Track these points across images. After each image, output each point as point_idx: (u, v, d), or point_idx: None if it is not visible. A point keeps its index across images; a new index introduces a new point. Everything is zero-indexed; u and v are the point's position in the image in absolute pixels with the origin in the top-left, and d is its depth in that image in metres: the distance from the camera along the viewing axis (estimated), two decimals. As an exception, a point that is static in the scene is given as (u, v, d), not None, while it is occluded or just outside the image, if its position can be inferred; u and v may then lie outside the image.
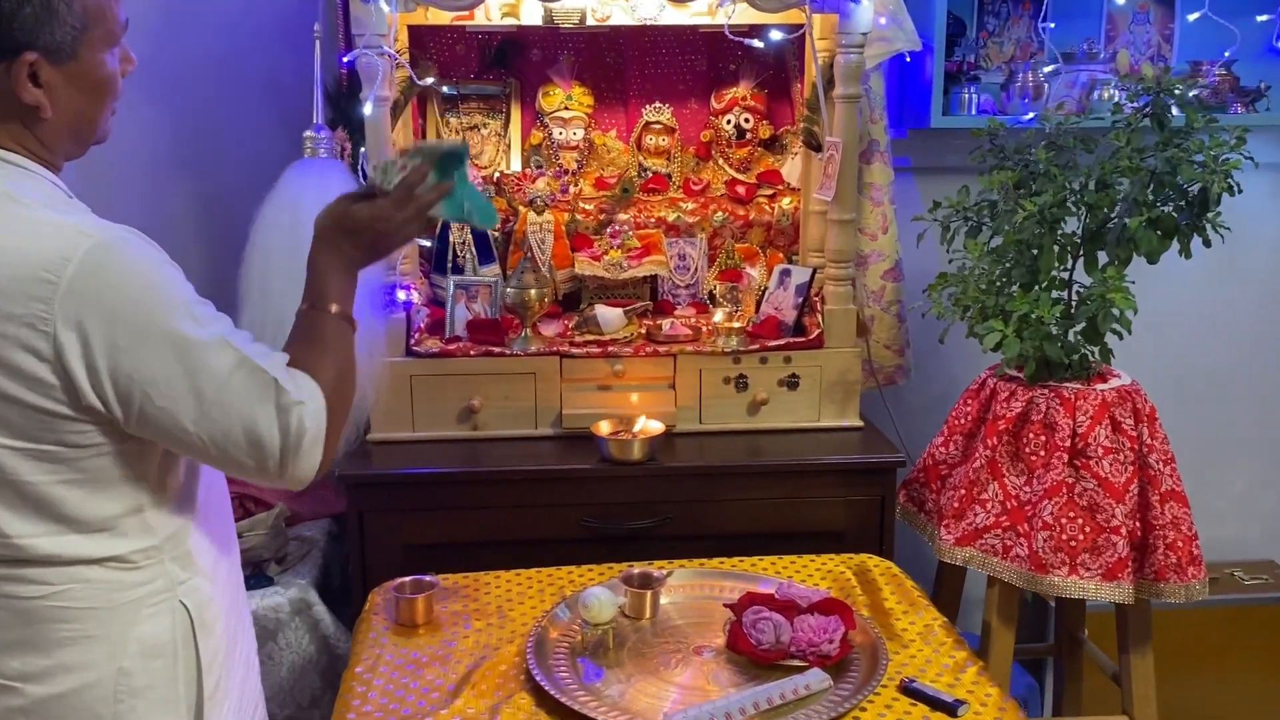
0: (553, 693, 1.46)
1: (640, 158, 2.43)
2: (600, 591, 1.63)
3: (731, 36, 2.03)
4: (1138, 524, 1.87)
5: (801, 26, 2.09)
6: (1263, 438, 2.88)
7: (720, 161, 2.45)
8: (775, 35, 2.08)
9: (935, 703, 1.47)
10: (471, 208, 1.37)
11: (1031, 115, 2.34)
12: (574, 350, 2.13)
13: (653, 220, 2.38)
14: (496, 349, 2.11)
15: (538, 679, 1.49)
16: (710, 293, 2.37)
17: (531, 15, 2.18)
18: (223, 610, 1.26)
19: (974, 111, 2.45)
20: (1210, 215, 1.84)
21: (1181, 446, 2.68)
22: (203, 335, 1.10)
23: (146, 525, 1.16)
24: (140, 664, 1.16)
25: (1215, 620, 2.66)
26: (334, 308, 1.25)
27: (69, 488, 1.10)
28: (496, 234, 2.33)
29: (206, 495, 1.26)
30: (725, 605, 1.65)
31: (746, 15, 2.06)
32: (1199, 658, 2.65)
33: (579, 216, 2.36)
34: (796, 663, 1.53)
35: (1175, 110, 1.86)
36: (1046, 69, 2.46)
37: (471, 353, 2.11)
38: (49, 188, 1.14)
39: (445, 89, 2.36)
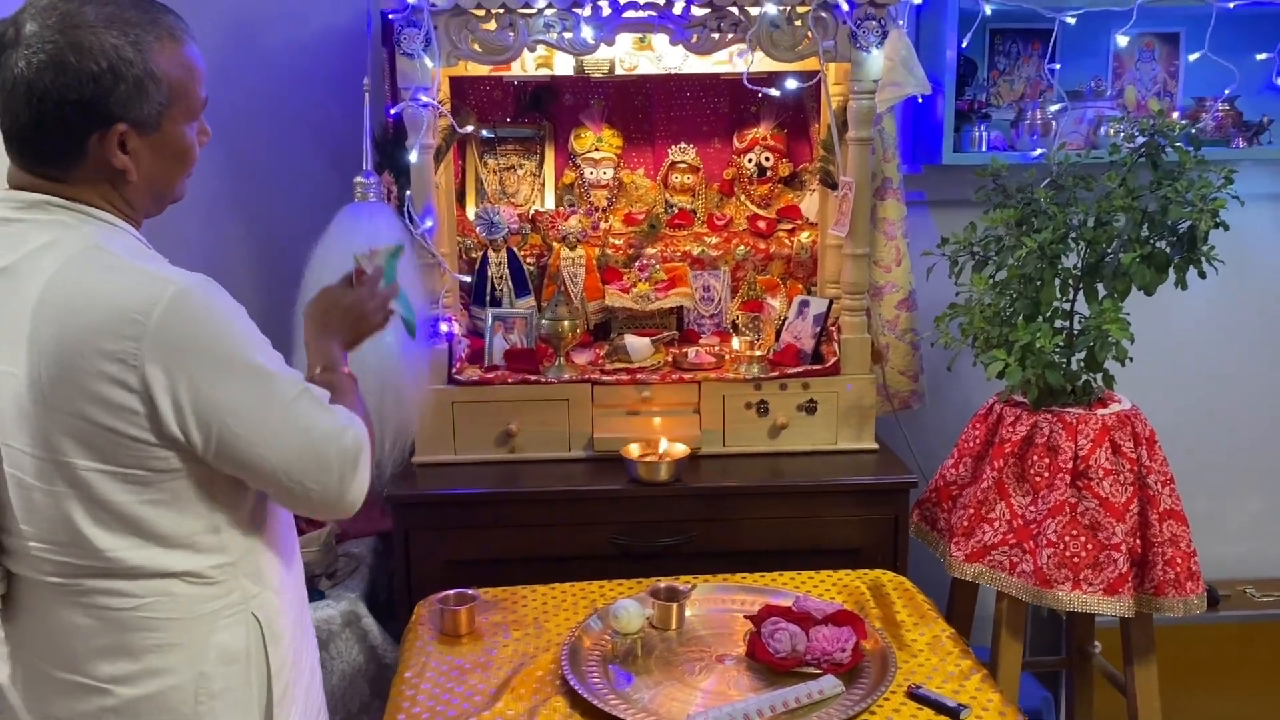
0: (586, 696, 1.59)
1: (667, 195, 2.58)
2: (630, 604, 1.76)
3: (750, 85, 2.16)
4: (1138, 541, 1.97)
5: (817, 73, 2.22)
6: (1275, 459, 2.95)
7: (742, 198, 2.59)
8: (791, 84, 2.22)
9: (940, 707, 1.58)
10: (404, 313, 1.59)
11: (1040, 151, 2.46)
12: (605, 377, 2.26)
13: (679, 254, 2.51)
14: (532, 377, 2.25)
15: (572, 684, 1.62)
16: (733, 322, 2.50)
17: (564, 66, 2.34)
18: (290, 621, 1.37)
19: (984, 148, 2.56)
20: (1204, 249, 1.95)
21: (1197, 467, 2.80)
22: (272, 367, 1.23)
23: (222, 544, 1.27)
24: (218, 669, 1.27)
25: (1228, 636, 2.73)
26: (345, 369, 1.44)
27: (152, 507, 1.21)
28: (531, 268, 2.48)
29: (274, 516, 1.38)
30: (745, 617, 1.78)
31: (764, 64, 2.20)
32: (1212, 673, 2.73)
33: (609, 251, 2.50)
34: (811, 670, 1.64)
35: (1169, 150, 1.97)
36: (1054, 107, 2.57)
37: (509, 380, 2.25)
38: (132, 241, 1.25)
39: (483, 132, 2.52)
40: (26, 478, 1.20)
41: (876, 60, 2.13)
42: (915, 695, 1.61)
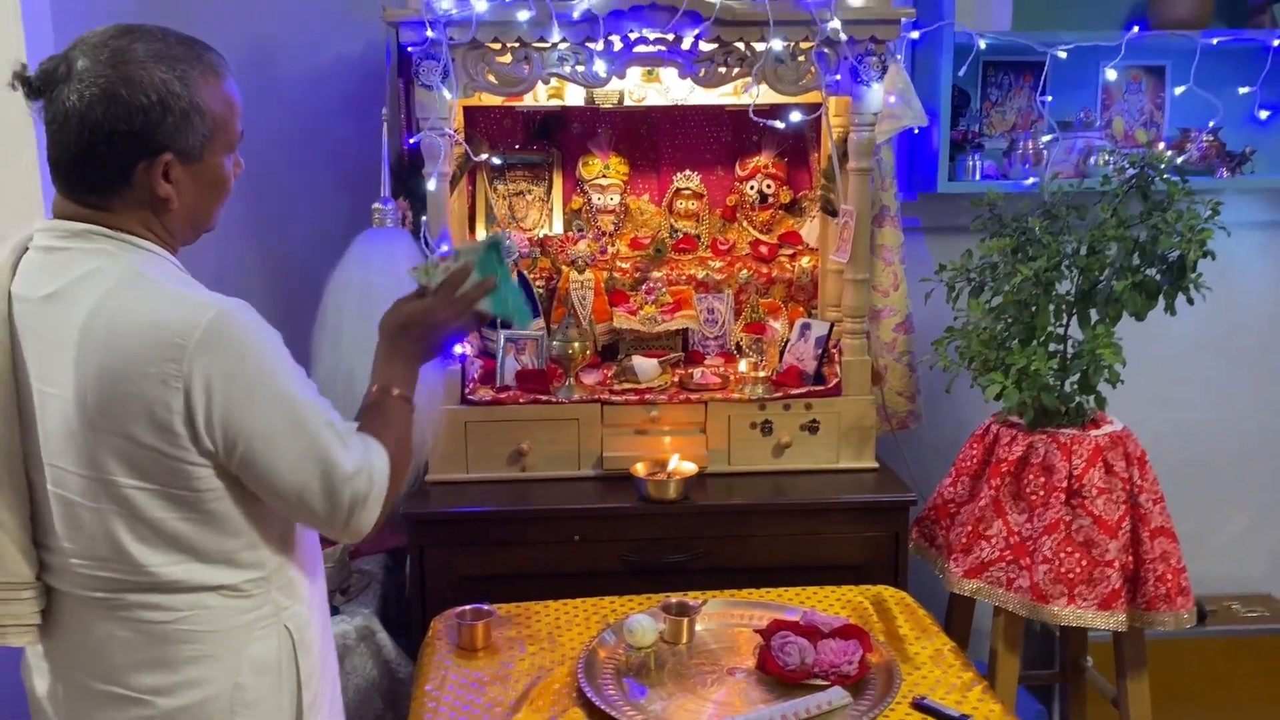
0: (603, 707, 1.65)
1: (672, 220, 2.65)
2: (643, 618, 1.82)
3: (755, 118, 2.24)
4: (1130, 558, 2.04)
5: (819, 106, 2.30)
6: (1262, 478, 3.04)
7: (745, 224, 2.67)
8: (795, 116, 2.30)
9: (944, 717, 1.65)
10: (514, 305, 1.55)
11: (1032, 180, 2.54)
12: (613, 398, 2.33)
13: (683, 277, 2.59)
14: (543, 397, 2.31)
15: (589, 695, 1.68)
16: (737, 344, 2.57)
17: (575, 96, 2.42)
18: (317, 633, 1.42)
19: (978, 177, 2.65)
20: (1193, 277, 2.03)
21: (1184, 486, 2.89)
22: (302, 394, 1.27)
23: (257, 559, 1.32)
24: (252, 680, 1.32)
25: (1215, 651, 2.81)
26: (396, 391, 1.44)
27: (192, 524, 1.26)
28: (541, 291, 2.55)
29: (303, 532, 1.43)
30: (755, 630, 1.84)
31: (768, 96, 2.28)
32: (1201, 687, 2.80)
33: (616, 275, 2.57)
34: (819, 682, 1.71)
35: (1159, 181, 2.06)
36: (1045, 137, 2.66)
37: (520, 400, 2.31)
38: (170, 267, 1.30)
39: (494, 159, 2.59)
40: (72, 496, 1.25)
41: (876, 94, 2.21)
42: (920, 706, 1.67)
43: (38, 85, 1.24)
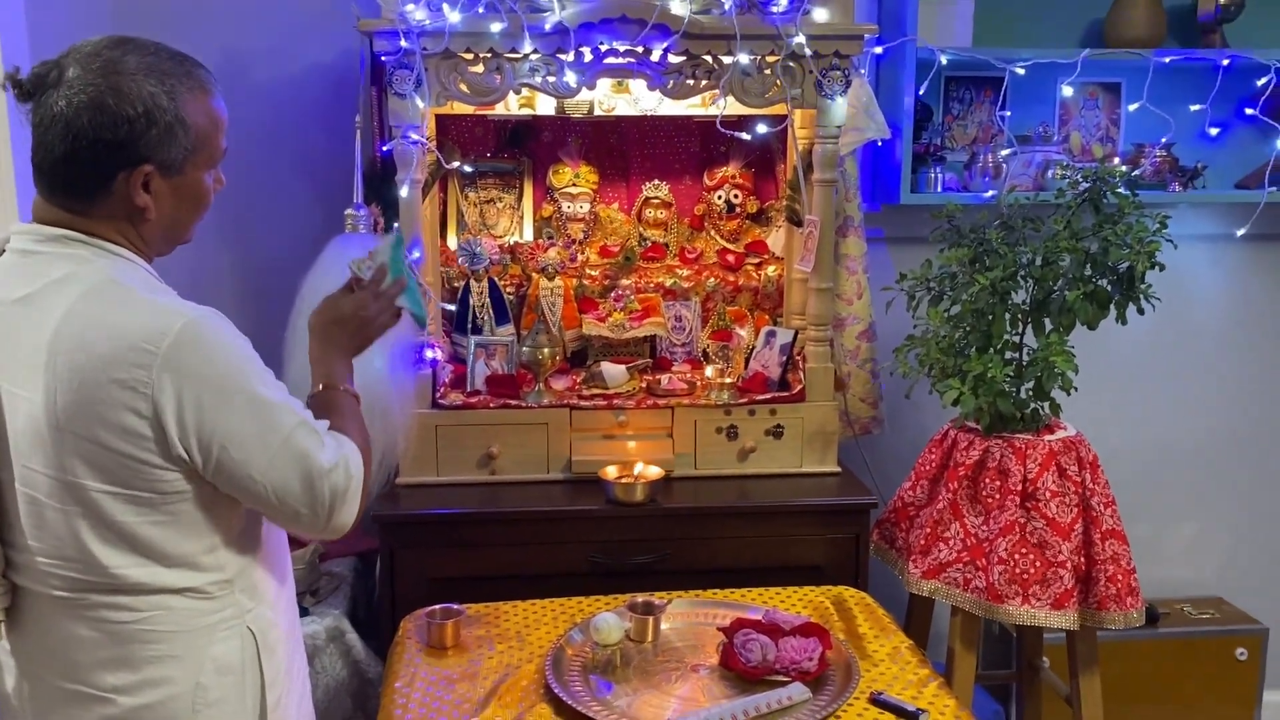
0: (570, 703, 1.69)
1: (640, 229, 2.70)
2: (609, 616, 1.86)
3: (722, 129, 2.30)
4: (1082, 559, 2.11)
5: (784, 118, 2.36)
6: (1213, 485, 3.12)
7: (712, 233, 2.72)
8: (761, 128, 2.35)
9: (900, 711, 1.70)
10: (418, 299, 1.61)
11: (991, 193, 2.61)
12: (582, 403, 2.37)
13: (652, 285, 2.63)
14: (513, 402, 2.35)
15: (556, 692, 1.72)
16: (704, 351, 2.62)
17: (545, 106, 2.46)
18: (283, 635, 1.44)
19: (940, 189, 2.72)
20: (1142, 287, 2.11)
21: (1139, 492, 2.97)
22: (272, 397, 1.29)
23: (220, 561, 1.33)
24: (214, 680, 1.33)
25: (1167, 652, 2.89)
26: (343, 386, 1.49)
27: (156, 527, 1.28)
28: (511, 297, 2.59)
29: (268, 535, 1.45)
30: (718, 629, 1.89)
31: (736, 108, 2.33)
32: (1154, 687, 2.88)
33: (586, 282, 2.62)
34: (780, 678, 1.75)
35: (1109, 196, 2.13)
36: (1004, 151, 2.74)
37: (490, 405, 2.35)
38: (144, 274, 1.32)
39: (464, 167, 2.62)
40: (39, 496, 1.26)
41: (840, 107, 2.27)
42: (877, 701, 1.72)
43: (28, 88, 1.26)
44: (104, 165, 1.26)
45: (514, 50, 2.17)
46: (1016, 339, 2.21)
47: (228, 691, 1.35)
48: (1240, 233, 2.83)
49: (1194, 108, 2.77)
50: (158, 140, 1.27)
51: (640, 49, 2.20)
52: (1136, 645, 2.84)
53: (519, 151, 2.70)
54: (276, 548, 1.48)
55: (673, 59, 2.22)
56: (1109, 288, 2.08)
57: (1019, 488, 2.10)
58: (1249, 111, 2.76)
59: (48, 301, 1.24)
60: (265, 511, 1.35)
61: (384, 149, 2.27)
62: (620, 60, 2.21)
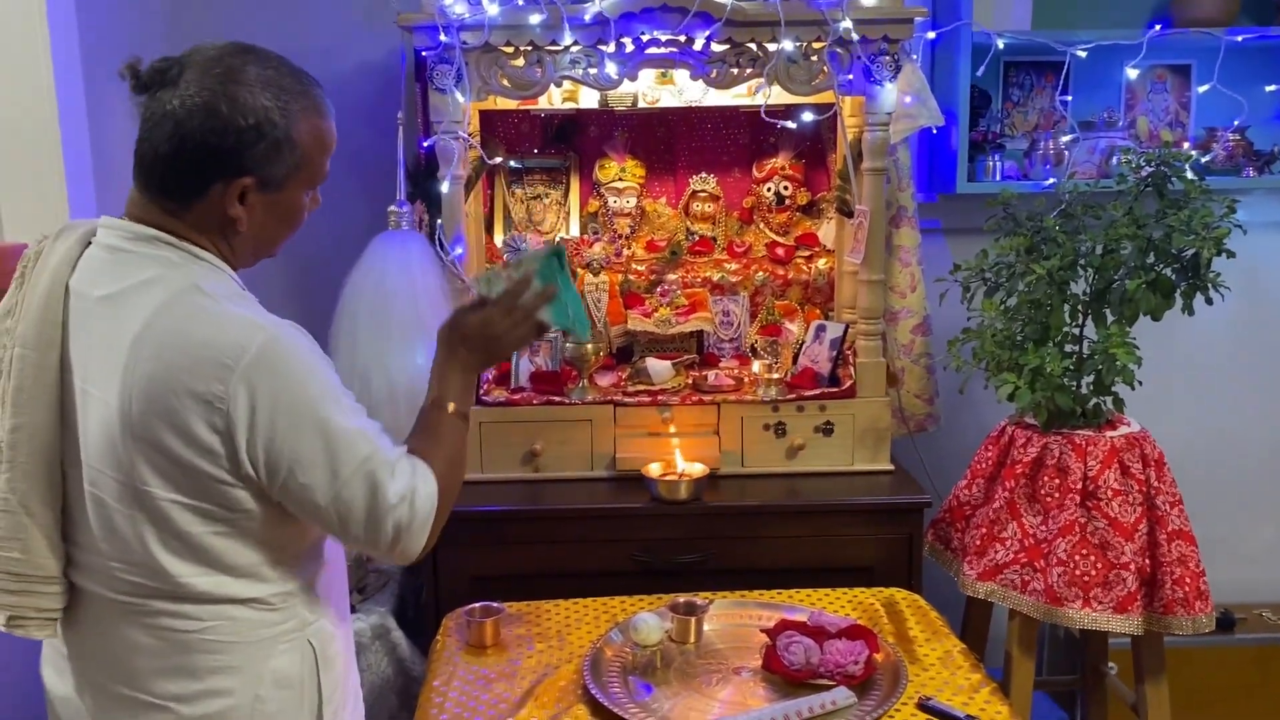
0: (607, 705, 1.65)
1: (688, 223, 2.65)
2: (649, 617, 1.82)
3: (767, 118, 2.25)
4: (1147, 561, 2.01)
5: (833, 106, 2.30)
6: (1290, 485, 2.99)
7: (761, 225, 2.66)
8: (807, 116, 2.29)
9: (948, 718, 1.63)
10: (574, 315, 1.49)
11: (1052, 181, 2.52)
12: (626, 399, 2.34)
13: (699, 280, 2.59)
14: (557, 398, 2.33)
15: (593, 693, 1.69)
16: (752, 346, 2.57)
17: (589, 99, 2.43)
18: (341, 647, 1.41)
19: (998, 178, 2.63)
20: (1209, 276, 2.00)
21: (1211, 492, 2.84)
22: (347, 424, 1.25)
23: (284, 574, 1.32)
24: (273, 693, 1.31)
25: (1244, 659, 2.76)
26: (451, 407, 1.42)
27: (222, 538, 1.26)
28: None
29: (331, 548, 1.43)
30: (761, 630, 1.84)
31: (782, 97, 2.28)
32: (1228, 695, 2.75)
33: (631, 277, 2.58)
34: (825, 681, 1.70)
35: (1175, 180, 2.03)
36: (1066, 138, 2.64)
37: (534, 402, 2.32)
38: (230, 283, 1.30)
39: (511, 163, 2.61)
40: (107, 498, 1.25)
41: (890, 93, 2.21)
42: (925, 707, 1.66)
43: (145, 81, 1.25)
44: (206, 171, 1.25)
45: (554, 42, 2.14)
46: (1076, 331, 2.12)
47: (285, 705, 1.33)
48: (1320, 219, 2.70)
49: (1269, 88, 2.64)
50: (263, 155, 1.25)
51: (682, 38, 2.15)
52: (1210, 652, 2.71)
53: (565, 147, 2.68)
54: (337, 560, 1.46)
55: (715, 48, 2.17)
56: (1172, 276, 1.98)
57: (1079, 486, 2.01)
58: (1328, 91, 2.63)
59: (132, 303, 1.23)
60: (329, 533, 1.33)
61: (425, 145, 2.26)
62: (662, 50, 2.17)
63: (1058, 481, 2.04)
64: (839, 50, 2.18)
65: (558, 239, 1.59)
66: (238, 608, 1.29)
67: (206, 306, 1.23)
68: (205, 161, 1.24)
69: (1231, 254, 1.95)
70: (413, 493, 1.29)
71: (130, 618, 1.28)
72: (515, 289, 1.46)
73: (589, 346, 2.34)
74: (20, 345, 1.26)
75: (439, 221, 2.26)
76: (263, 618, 1.31)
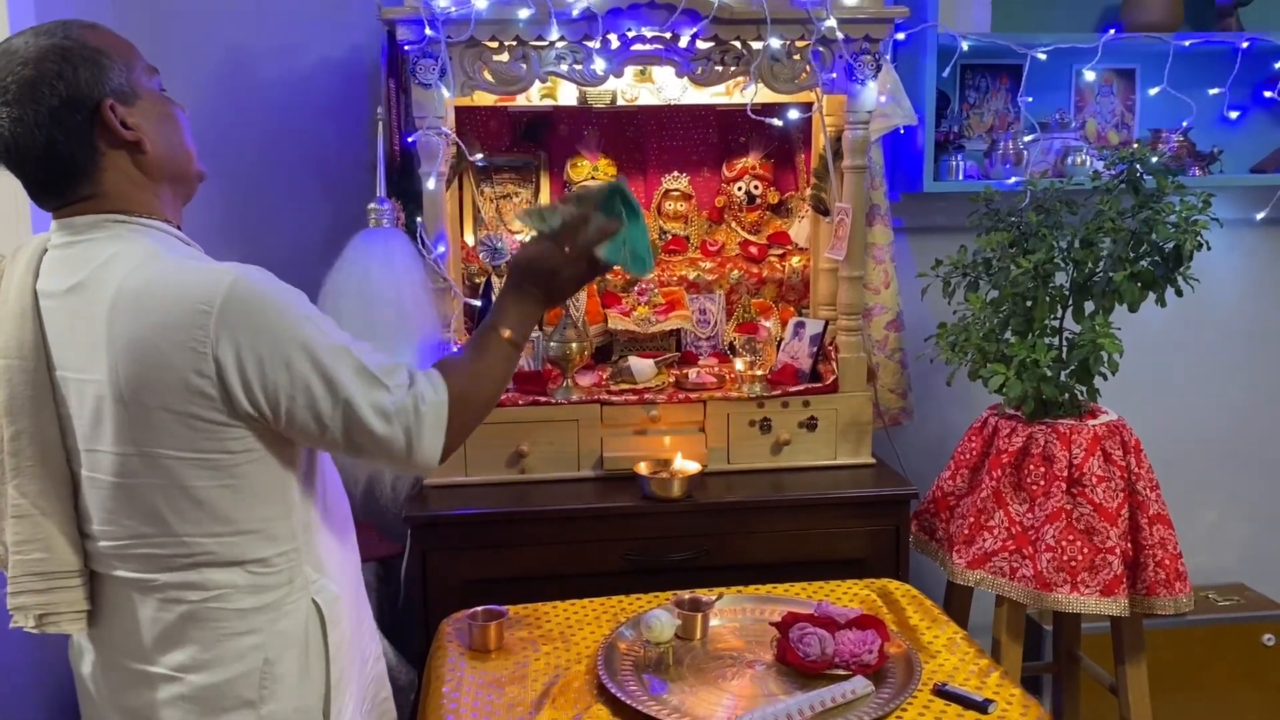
0: (628, 702, 1.63)
1: (660, 222, 2.65)
2: (661, 613, 1.81)
3: (753, 115, 2.26)
4: (1129, 545, 2.08)
5: (812, 104, 2.32)
6: (1232, 470, 3.11)
7: (733, 224, 2.68)
8: (792, 114, 2.31)
9: (967, 702, 1.65)
10: (630, 251, 1.46)
11: (1015, 180, 2.59)
12: (612, 398, 2.32)
13: (675, 279, 2.59)
14: (541, 398, 2.30)
15: (612, 690, 1.66)
16: (730, 344, 2.58)
17: (567, 96, 2.41)
18: (346, 607, 1.43)
19: (961, 177, 2.69)
20: (1183, 269, 2.08)
21: (1167, 479, 2.93)
22: (328, 342, 1.28)
23: (289, 529, 1.34)
24: (281, 654, 1.34)
25: (1194, 639, 2.87)
26: (506, 333, 1.45)
27: (230, 492, 1.28)
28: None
29: (335, 503, 1.45)
30: (771, 624, 1.84)
31: (764, 95, 2.29)
32: (1179, 674, 2.86)
33: (608, 276, 2.56)
34: (840, 672, 1.71)
35: (1147, 177, 2.11)
36: (1027, 137, 2.71)
37: (519, 402, 2.29)
38: (183, 245, 1.34)
39: (478, 160, 2.57)
40: (109, 477, 1.27)
41: (871, 92, 2.24)
42: (942, 692, 1.68)
43: None
44: (74, 128, 1.26)
45: (540, 38, 2.12)
46: (1056, 323, 2.18)
47: (293, 665, 1.35)
48: (1260, 216, 2.83)
49: (1212, 91, 2.76)
50: (92, 76, 1.26)
51: (668, 35, 2.15)
52: (1162, 634, 2.81)
53: (535, 145, 2.65)
54: (340, 519, 1.48)
55: (701, 45, 2.17)
56: (1152, 269, 2.06)
57: (1064, 474, 2.07)
58: (1267, 95, 2.76)
59: (97, 283, 1.25)
60: (347, 455, 1.35)
61: (409, 141, 2.21)
62: (648, 47, 2.17)
63: (1043, 470, 2.09)
64: (822, 49, 2.21)
65: (619, 178, 1.56)
66: (242, 572, 1.31)
67: (169, 266, 1.26)
68: (67, 119, 1.25)
69: (1208, 246, 2.03)
70: (415, 394, 1.32)
71: (139, 594, 1.30)
72: (573, 223, 1.44)
73: (573, 346, 2.32)
74: (3, 357, 1.29)
75: (418, 219, 2.21)
76: (267, 581, 1.32)
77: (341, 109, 2.65)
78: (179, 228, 1.37)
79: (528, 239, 1.50)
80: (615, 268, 1.49)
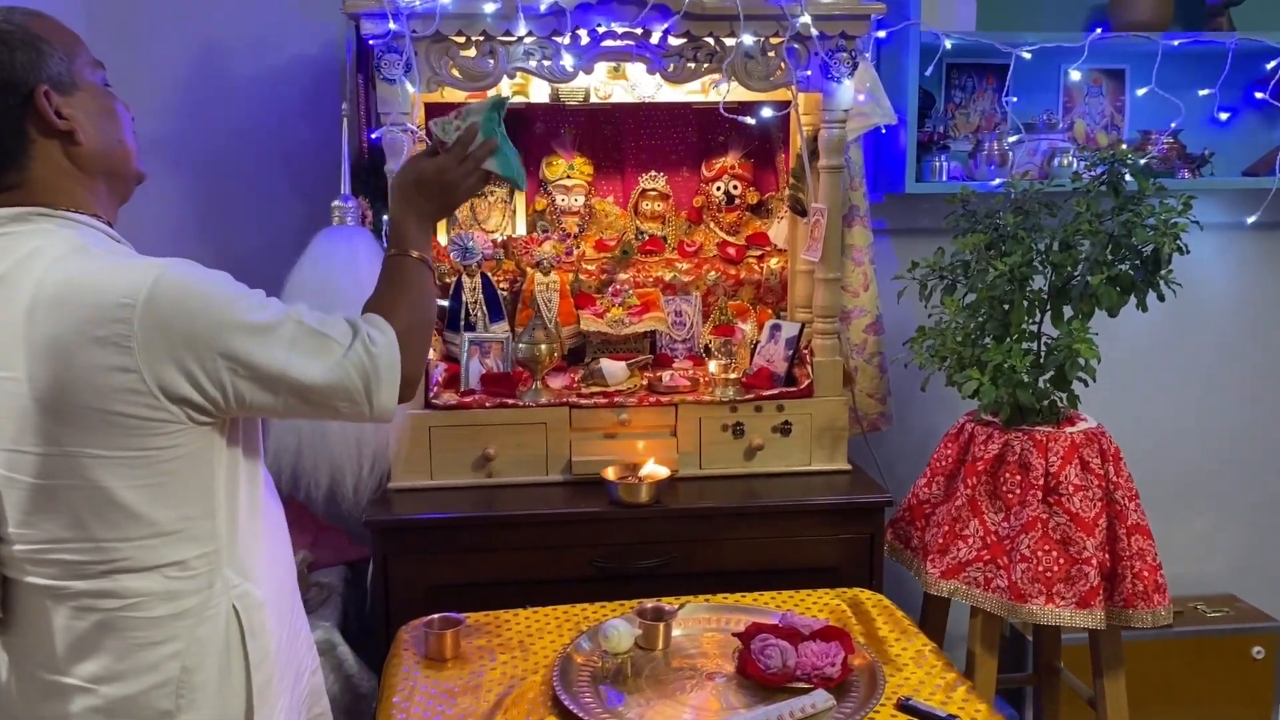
0: (580, 714, 1.58)
1: (637, 222, 2.61)
2: (620, 623, 1.76)
3: (725, 114, 2.21)
4: (1107, 555, 2.03)
5: (788, 103, 2.28)
6: (1221, 480, 3.06)
7: (711, 225, 2.63)
8: (766, 112, 2.27)
9: (930, 718, 1.61)
10: (515, 166, 1.53)
11: (999, 181, 2.54)
12: (582, 401, 2.27)
13: (650, 279, 2.54)
14: (509, 400, 2.25)
15: (565, 703, 1.62)
16: (705, 346, 2.53)
17: (539, 93, 2.37)
18: (272, 616, 1.38)
19: (945, 178, 2.64)
20: (1163, 272, 2.03)
21: (1146, 488, 2.87)
22: (263, 317, 1.26)
23: (211, 530, 1.30)
24: (199, 662, 1.29)
25: (1181, 651, 2.81)
26: (414, 253, 1.45)
27: (148, 491, 1.24)
28: (505, 293, 2.49)
29: (265, 507, 1.40)
30: (733, 634, 1.79)
31: (738, 94, 2.24)
32: (1167, 686, 2.80)
33: (582, 277, 2.52)
34: (801, 685, 1.66)
35: (1129, 178, 2.06)
36: (1011, 139, 2.66)
37: (486, 404, 2.25)
38: (109, 240, 1.30)
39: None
40: (28, 478, 1.23)
41: (847, 90, 2.19)
42: (905, 707, 1.63)
43: None
44: (7, 114, 1.24)
45: (508, 33, 2.08)
46: (1033, 328, 2.13)
47: (211, 674, 1.31)
48: (1250, 220, 2.77)
49: (1202, 93, 2.71)
50: (29, 61, 1.24)
51: (639, 31, 2.11)
52: (1149, 646, 2.76)
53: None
54: (272, 525, 1.43)
55: (673, 41, 2.13)
56: (1131, 272, 2.01)
57: (1041, 482, 2.02)
58: (1258, 95, 2.70)
59: (18, 278, 1.21)
60: (313, 416, 1.36)
61: (374, 137, 2.17)
62: (618, 43, 2.12)
63: (1019, 478, 2.04)
64: (797, 46, 2.16)
65: (498, 95, 1.65)
66: (159, 578, 1.27)
67: (92, 261, 1.22)
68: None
69: (1187, 249, 1.97)
70: (364, 340, 1.31)
71: (52, 602, 1.26)
72: (465, 137, 1.49)
73: (543, 348, 2.27)
74: None
75: (384, 217, 2.17)
76: (184, 586, 1.28)
77: (314, 106, 2.61)
78: (111, 225, 1.34)
79: (416, 154, 1.54)
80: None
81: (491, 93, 2.19)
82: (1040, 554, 2.00)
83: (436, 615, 1.87)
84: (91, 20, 2.52)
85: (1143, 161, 2.08)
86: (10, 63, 1.22)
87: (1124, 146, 2.69)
